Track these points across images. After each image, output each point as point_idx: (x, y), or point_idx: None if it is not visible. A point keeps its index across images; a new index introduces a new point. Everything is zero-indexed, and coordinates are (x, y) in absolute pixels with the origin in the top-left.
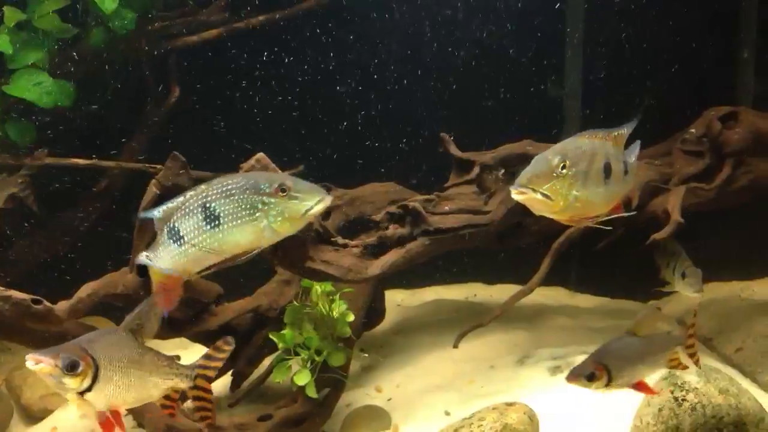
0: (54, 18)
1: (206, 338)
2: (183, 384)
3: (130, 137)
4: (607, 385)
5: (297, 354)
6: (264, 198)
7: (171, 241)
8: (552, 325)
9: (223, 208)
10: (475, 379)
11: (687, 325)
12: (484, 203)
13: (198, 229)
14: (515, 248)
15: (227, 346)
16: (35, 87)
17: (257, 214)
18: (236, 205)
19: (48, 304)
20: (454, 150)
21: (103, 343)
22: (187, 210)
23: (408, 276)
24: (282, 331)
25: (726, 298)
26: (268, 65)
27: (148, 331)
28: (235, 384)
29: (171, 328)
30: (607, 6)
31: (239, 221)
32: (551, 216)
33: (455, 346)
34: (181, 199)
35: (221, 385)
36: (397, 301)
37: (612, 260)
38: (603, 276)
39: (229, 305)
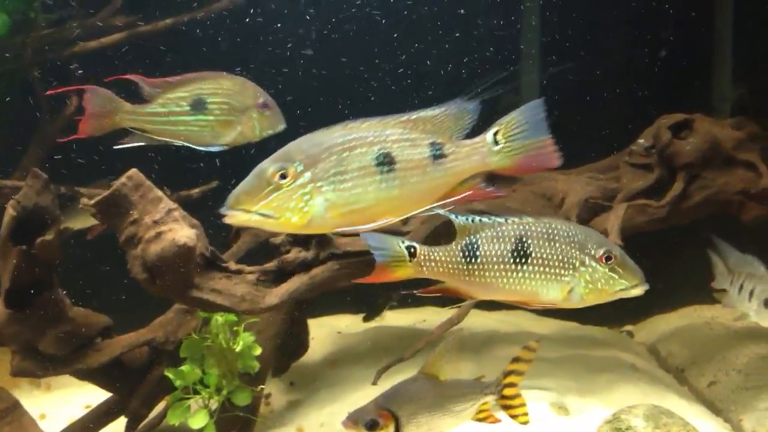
0: None
1: (92, 376)
2: (491, 398)
3: (24, 152)
4: None
5: (197, 392)
6: (586, 259)
7: (461, 254)
8: (500, 355)
9: (538, 251)
10: None
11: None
12: (402, 223)
13: (499, 259)
14: None
15: (531, 353)
16: None
17: (569, 272)
18: (554, 252)
19: None
20: None
21: (402, 392)
22: (500, 234)
23: (354, 300)
24: (180, 367)
25: (704, 323)
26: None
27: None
28: (130, 426)
29: (46, 365)
30: (570, 8)
31: (548, 271)
32: (315, 231)
33: (374, 383)
34: (500, 220)
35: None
36: (340, 327)
37: None
38: None
39: (119, 338)
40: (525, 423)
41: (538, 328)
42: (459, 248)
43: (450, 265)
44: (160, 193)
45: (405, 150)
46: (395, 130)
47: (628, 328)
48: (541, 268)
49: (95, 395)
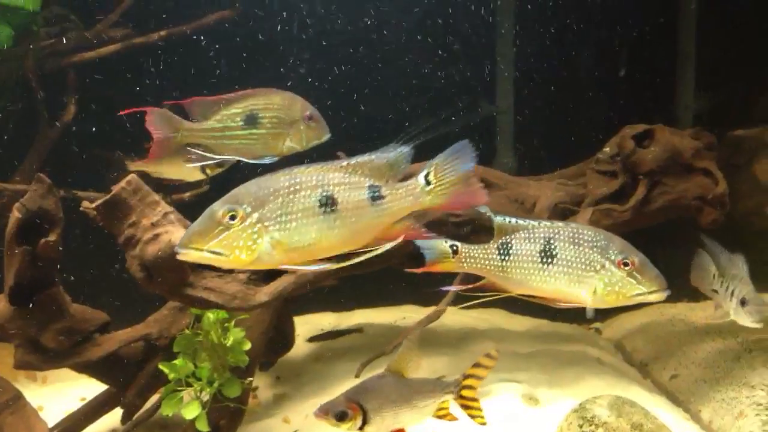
0: None
1: (90, 369)
2: (449, 396)
3: (24, 158)
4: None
5: (189, 385)
6: (606, 263)
7: (497, 252)
8: (476, 350)
9: (563, 252)
10: None
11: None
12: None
13: (529, 258)
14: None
15: (491, 360)
16: None
17: (590, 274)
18: (578, 255)
19: None
20: None
21: (370, 387)
22: (531, 235)
23: (337, 299)
24: (173, 361)
25: (667, 320)
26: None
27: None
28: (126, 417)
29: (48, 359)
30: (539, 20)
31: (571, 271)
32: (263, 268)
33: (357, 376)
34: (534, 223)
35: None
36: (323, 325)
37: None
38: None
39: (116, 334)
40: (482, 424)
41: (512, 326)
42: (495, 247)
43: (486, 262)
44: (157, 197)
45: (346, 192)
46: (337, 174)
47: (597, 325)
48: (565, 269)
49: (90, 388)
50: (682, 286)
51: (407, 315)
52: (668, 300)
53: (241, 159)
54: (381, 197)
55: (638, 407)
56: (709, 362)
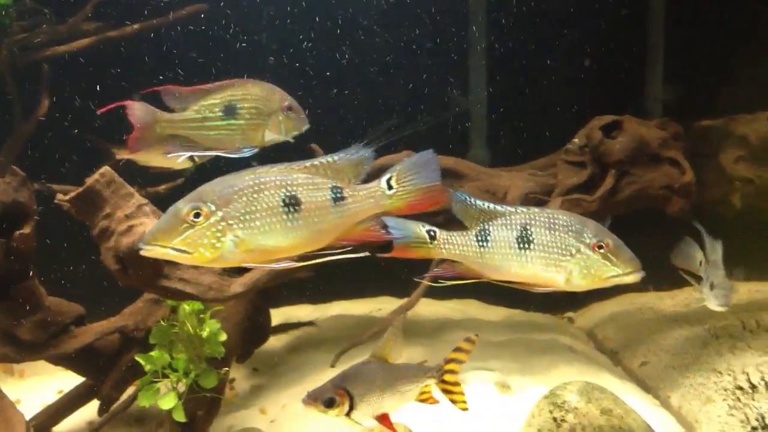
0: None
1: (67, 361)
2: (431, 381)
3: None
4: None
5: (166, 376)
6: (581, 247)
7: (475, 238)
8: (450, 339)
9: (539, 237)
10: None
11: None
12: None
13: (507, 244)
14: (425, 260)
15: (470, 344)
16: None
17: (566, 258)
18: (553, 240)
19: None
20: None
21: (356, 373)
22: (507, 222)
23: (315, 290)
24: (149, 353)
25: (637, 309)
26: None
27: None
28: (103, 409)
29: (24, 351)
30: (511, 13)
31: (547, 256)
32: (227, 265)
33: (332, 365)
34: (511, 209)
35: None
36: (300, 317)
37: None
38: (516, 289)
39: (92, 326)
40: (464, 409)
41: (487, 316)
42: (474, 233)
43: (465, 248)
44: (131, 189)
45: (309, 193)
46: (301, 175)
47: (570, 314)
48: (542, 254)
49: (67, 381)
50: (651, 275)
51: (383, 306)
52: (638, 290)
53: (219, 153)
54: (343, 199)
55: (607, 393)
56: (677, 349)
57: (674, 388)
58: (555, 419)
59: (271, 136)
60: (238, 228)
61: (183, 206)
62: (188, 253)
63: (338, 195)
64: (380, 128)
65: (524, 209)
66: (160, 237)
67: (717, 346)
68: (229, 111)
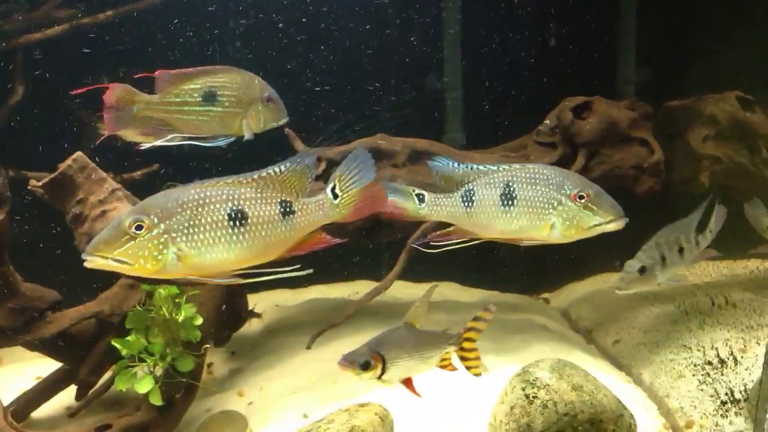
0: None
1: (43, 347)
2: (452, 348)
3: None
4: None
5: (142, 360)
6: (562, 198)
7: (461, 199)
8: (429, 321)
9: (521, 193)
10: (339, 380)
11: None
12: None
13: (491, 202)
14: (402, 244)
15: (489, 313)
16: None
17: (549, 210)
18: (535, 194)
19: None
20: (298, 145)
21: (389, 338)
22: (490, 181)
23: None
24: (126, 338)
25: (610, 289)
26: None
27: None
28: (80, 394)
29: (0, 337)
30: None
31: (531, 211)
32: (169, 278)
33: (308, 347)
34: (493, 168)
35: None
36: (278, 301)
37: (502, 255)
38: (494, 271)
39: (68, 312)
40: (477, 375)
41: (464, 298)
42: (459, 194)
43: (452, 209)
44: (104, 174)
45: (256, 207)
46: (249, 189)
47: (545, 295)
48: (526, 209)
49: (45, 368)
50: (626, 255)
51: (360, 290)
52: (612, 270)
53: (194, 142)
54: (292, 212)
55: (579, 369)
56: (649, 327)
57: (646, 365)
58: (527, 396)
59: (248, 126)
60: (181, 241)
61: (126, 218)
62: (129, 264)
63: (288, 209)
64: (329, 130)
65: (506, 166)
66: (101, 248)
67: (687, 322)
68: (209, 97)
